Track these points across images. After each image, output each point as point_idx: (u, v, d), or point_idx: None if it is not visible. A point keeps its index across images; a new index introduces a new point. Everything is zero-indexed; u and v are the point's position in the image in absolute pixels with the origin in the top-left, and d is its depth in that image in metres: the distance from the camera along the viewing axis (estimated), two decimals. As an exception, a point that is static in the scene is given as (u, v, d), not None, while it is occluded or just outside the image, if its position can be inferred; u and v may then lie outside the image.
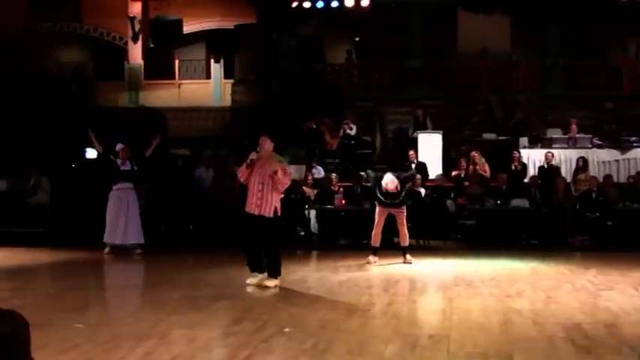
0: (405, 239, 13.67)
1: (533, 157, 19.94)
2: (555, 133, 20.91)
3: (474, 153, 19.12)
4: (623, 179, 19.17)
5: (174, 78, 28.82)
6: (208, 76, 28.80)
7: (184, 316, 8.24)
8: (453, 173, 19.36)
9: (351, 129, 21.97)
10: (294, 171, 17.27)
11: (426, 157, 20.38)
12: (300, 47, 24.52)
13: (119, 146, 15.50)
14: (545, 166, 19.14)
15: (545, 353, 6.54)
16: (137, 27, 27.96)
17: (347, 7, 24.14)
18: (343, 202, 17.60)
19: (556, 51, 25.04)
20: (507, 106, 23.09)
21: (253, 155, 10.53)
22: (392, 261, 13.46)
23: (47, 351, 6.32)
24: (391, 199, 13.26)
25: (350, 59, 26.44)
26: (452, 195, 18.55)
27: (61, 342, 6.80)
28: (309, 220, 17.50)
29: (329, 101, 22.49)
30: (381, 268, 12.84)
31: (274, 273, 10.62)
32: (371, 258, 13.35)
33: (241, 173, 10.67)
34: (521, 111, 22.11)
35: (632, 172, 18.99)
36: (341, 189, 18.03)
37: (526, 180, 18.61)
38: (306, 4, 23.35)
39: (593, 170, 19.19)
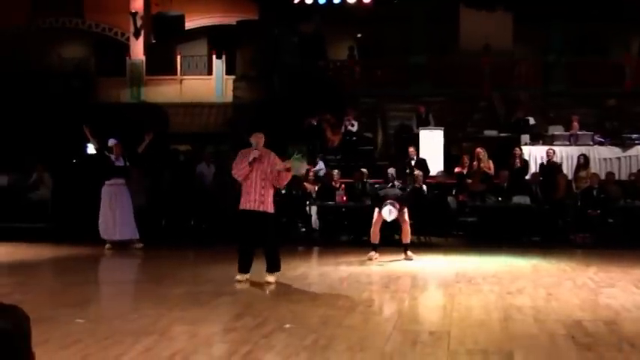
0: (407, 236, 13.71)
1: (534, 154, 19.93)
2: (557, 130, 20.88)
3: (479, 149, 19.11)
4: (624, 177, 19.16)
5: (176, 74, 28.76)
6: (210, 72, 28.76)
7: (185, 312, 8.25)
8: (456, 170, 19.35)
9: (352, 125, 21.95)
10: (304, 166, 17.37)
11: (427, 154, 20.37)
12: (302, 43, 24.52)
13: (112, 142, 15.55)
14: (547, 163, 19.13)
15: (545, 350, 6.55)
16: (139, 23, 27.92)
17: (349, 4, 24.10)
18: (344, 198, 17.61)
19: (558, 48, 24.99)
20: (509, 103, 23.06)
21: (256, 153, 10.48)
22: (393, 257, 13.48)
23: (48, 346, 6.32)
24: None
25: (352, 55, 26.39)
26: (453, 192, 18.55)
27: (63, 337, 6.81)
28: (311, 216, 17.51)
29: (331, 98, 22.51)
30: (382, 265, 12.84)
31: (275, 268, 10.63)
32: (372, 254, 13.37)
33: (243, 171, 10.52)
34: (523, 108, 22.07)
35: (634, 170, 18.99)
36: (342, 185, 18.03)
37: (527, 177, 18.59)
38: (308, 1, 23.31)
39: (594, 167, 19.17)
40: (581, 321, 7.78)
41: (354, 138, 21.86)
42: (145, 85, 28.34)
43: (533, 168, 19.33)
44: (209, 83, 28.36)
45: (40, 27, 28.27)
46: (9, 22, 26.82)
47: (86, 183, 16.65)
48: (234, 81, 24.99)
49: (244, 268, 10.66)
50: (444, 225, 17.38)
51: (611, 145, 20.21)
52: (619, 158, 19.95)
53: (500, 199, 17.41)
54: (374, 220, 13.59)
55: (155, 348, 6.48)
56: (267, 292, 10.09)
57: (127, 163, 15.62)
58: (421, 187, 17.29)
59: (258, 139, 10.65)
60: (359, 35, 28.41)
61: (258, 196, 10.50)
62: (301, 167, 11.94)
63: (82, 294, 9.97)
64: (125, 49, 28.58)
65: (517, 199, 17.19)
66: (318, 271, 12.44)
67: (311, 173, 18.62)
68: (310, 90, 22.32)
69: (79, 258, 14.44)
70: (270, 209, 10.63)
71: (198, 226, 18.02)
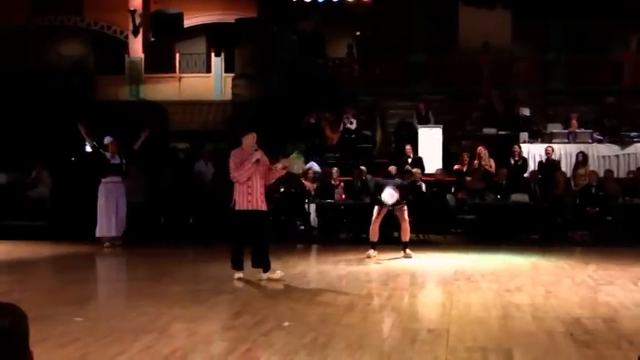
0: (406, 234, 13.72)
1: (533, 152, 19.94)
2: (556, 128, 20.89)
3: (480, 148, 19.15)
4: (623, 174, 19.18)
5: (174, 72, 28.76)
6: (209, 70, 28.76)
7: (185, 310, 8.26)
8: (455, 167, 19.35)
9: (351, 123, 21.96)
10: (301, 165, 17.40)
11: (426, 152, 20.39)
12: (301, 41, 24.51)
13: (108, 139, 15.59)
14: (545, 160, 19.14)
15: (544, 348, 6.55)
16: (138, 20, 27.91)
17: (348, 2, 24.12)
18: (343, 196, 17.61)
19: (557, 46, 24.99)
20: (508, 101, 23.06)
21: (258, 154, 10.54)
22: (392, 255, 13.48)
23: (47, 344, 6.32)
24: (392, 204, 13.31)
25: (351, 53, 26.37)
26: (452, 189, 18.55)
27: (61, 336, 6.81)
28: (309, 214, 17.50)
29: (329, 96, 22.49)
30: (381, 263, 12.85)
31: (269, 265, 10.73)
32: (371, 252, 13.37)
33: (247, 173, 10.51)
34: (523, 107, 22.07)
35: (633, 167, 19.01)
36: (341, 183, 18.04)
37: (526, 175, 18.60)
38: (307, -2, 23.33)
39: (593, 165, 19.20)
40: (580, 318, 7.79)
41: (353, 136, 21.85)
42: (144, 82, 28.34)
43: (532, 166, 19.35)
44: (208, 81, 28.35)
45: (39, 25, 28.27)
46: (8, 20, 26.80)
47: (84, 181, 16.63)
48: (233, 79, 25.00)
49: (241, 266, 10.70)
50: (442, 223, 17.38)
51: (610, 142, 20.23)
52: (618, 156, 19.96)
53: (499, 196, 17.41)
54: (373, 217, 13.60)
55: (154, 346, 6.48)
56: (266, 290, 10.09)
57: (124, 161, 15.66)
58: (420, 184, 17.30)
59: (252, 140, 10.69)
60: (358, 33, 28.40)
61: (259, 196, 10.59)
62: (300, 165, 12.00)
63: (81, 292, 9.97)
64: (124, 46, 28.58)
65: (516, 197, 17.19)
66: (316, 269, 12.45)
67: (310, 172, 18.61)
68: (309, 88, 22.31)
69: (77, 256, 14.45)
70: (266, 207, 10.82)
71: (197, 224, 18.01)
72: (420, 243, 15.72)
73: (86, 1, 28.52)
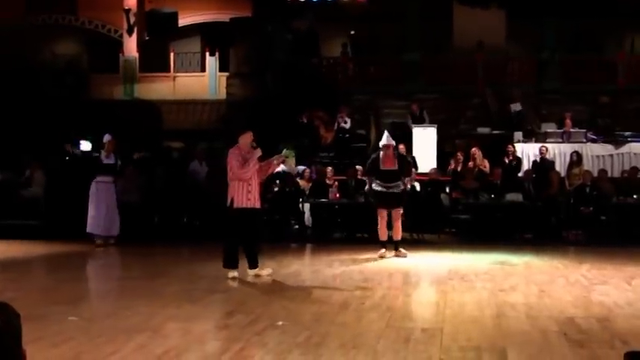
0: (398, 233, 13.75)
1: (527, 152, 19.97)
2: (550, 128, 20.92)
3: (474, 150, 19.16)
4: (617, 174, 19.22)
5: (169, 71, 28.76)
6: (203, 69, 28.76)
7: (179, 309, 8.25)
8: (450, 168, 19.36)
9: (345, 122, 21.98)
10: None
11: (420, 151, 20.40)
12: (296, 40, 24.51)
13: (107, 137, 15.60)
14: (539, 160, 19.16)
15: (538, 347, 6.55)
16: (132, 19, 27.90)
17: (342, 1, 24.15)
18: (337, 195, 17.61)
19: (552, 45, 25.02)
20: (503, 101, 23.08)
21: (259, 152, 10.68)
22: (386, 255, 13.50)
23: (41, 344, 6.31)
24: (389, 179, 13.33)
25: (345, 53, 26.39)
26: (446, 189, 18.56)
27: (55, 335, 6.80)
28: (304, 213, 17.50)
29: (324, 95, 22.49)
30: (375, 262, 12.86)
31: (257, 262, 10.82)
32: (382, 252, 13.45)
33: (250, 172, 10.61)
34: (515, 103, 22.11)
35: (626, 167, 19.05)
36: (335, 182, 18.04)
37: (520, 174, 18.62)
38: (302, -3, 23.35)
39: (587, 165, 19.22)
40: (574, 318, 7.79)
41: (347, 135, 21.87)
42: (139, 82, 28.33)
43: (526, 165, 19.37)
44: (202, 80, 28.36)
45: (33, 24, 28.22)
46: (2, 19, 26.76)
47: (78, 180, 16.62)
48: (228, 78, 25.00)
49: (236, 264, 10.72)
50: (437, 222, 17.40)
51: (604, 142, 20.27)
52: (612, 155, 20.00)
53: (493, 196, 17.42)
54: (379, 219, 13.69)
55: (148, 345, 6.47)
56: (260, 289, 10.08)
57: (119, 161, 15.68)
58: (413, 184, 17.31)
59: (249, 138, 10.72)
60: (352, 32, 28.41)
61: (257, 194, 10.74)
62: (291, 163, 12.08)
63: (75, 291, 9.95)
64: (118, 45, 28.57)
65: (510, 197, 17.21)
66: (311, 269, 12.44)
67: (307, 171, 18.64)
68: (303, 87, 22.31)
69: (71, 255, 14.44)
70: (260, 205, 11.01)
71: (191, 224, 17.99)
72: (414, 242, 15.73)
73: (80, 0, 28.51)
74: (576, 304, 8.71)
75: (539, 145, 19.68)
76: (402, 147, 19.55)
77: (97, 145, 15.85)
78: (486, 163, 19.04)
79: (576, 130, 20.52)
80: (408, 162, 14.70)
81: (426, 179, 18.49)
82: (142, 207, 17.68)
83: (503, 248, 14.70)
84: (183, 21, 27.28)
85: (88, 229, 15.44)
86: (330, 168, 18.47)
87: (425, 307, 9.01)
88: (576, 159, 18.97)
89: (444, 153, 20.72)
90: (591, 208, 16.84)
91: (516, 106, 21.74)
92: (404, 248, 13.69)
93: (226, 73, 25.64)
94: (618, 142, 20.16)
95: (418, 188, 17.54)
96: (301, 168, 18.88)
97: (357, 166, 18.11)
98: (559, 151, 19.86)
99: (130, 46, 28.39)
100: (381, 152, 13.66)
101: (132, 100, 27.32)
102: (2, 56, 25.51)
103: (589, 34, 26.51)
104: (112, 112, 22.54)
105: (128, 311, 8.08)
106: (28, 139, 21.01)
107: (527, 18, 24.80)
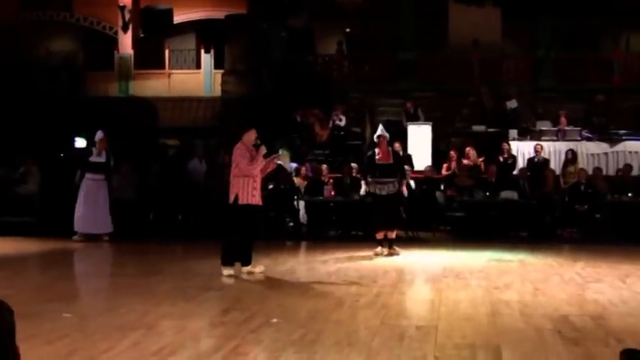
0: (393, 232, 13.75)
1: (522, 150, 19.99)
2: (545, 126, 20.96)
3: (469, 149, 19.17)
4: (611, 172, 19.25)
5: (164, 68, 28.74)
6: (199, 66, 28.75)
7: (173, 307, 8.23)
8: (444, 170, 19.37)
9: (340, 120, 21.99)
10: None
11: (415, 149, 20.41)
12: (291, 38, 24.49)
13: (99, 135, 15.60)
14: (535, 158, 19.17)
15: (532, 345, 6.55)
16: (127, 16, 27.87)
17: (338, -2, 24.16)
18: (333, 193, 17.62)
19: (547, 43, 25.05)
20: (498, 98, 23.10)
21: (264, 150, 10.76)
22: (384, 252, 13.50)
23: (35, 341, 6.30)
24: (384, 174, 13.33)
25: (340, 50, 26.40)
26: (441, 187, 18.58)
27: (49, 332, 6.78)
28: (299, 210, 17.50)
29: (319, 92, 22.48)
30: (370, 260, 12.86)
31: (251, 259, 10.86)
32: (378, 250, 13.42)
33: (258, 168, 10.74)
34: (510, 100, 22.13)
35: (621, 165, 19.09)
36: (330, 180, 18.05)
37: (515, 172, 18.63)
38: (297, -5, 23.33)
39: (582, 163, 19.25)
40: (568, 316, 7.80)
41: (342, 133, 21.87)
42: (134, 79, 28.32)
43: (521, 163, 19.38)
44: (198, 77, 28.35)
45: (27, 20, 28.18)
46: (-2, 15, 26.75)
47: (73, 177, 16.60)
48: (223, 75, 24.98)
49: (233, 262, 10.72)
50: (431, 220, 17.43)
51: (599, 140, 20.32)
52: (606, 154, 20.04)
53: (488, 194, 17.43)
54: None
55: (143, 343, 6.46)
56: (255, 286, 10.07)
57: (111, 160, 15.68)
58: (408, 182, 17.31)
59: (253, 135, 10.80)
60: (348, 30, 28.42)
61: (260, 191, 10.81)
62: (286, 161, 12.15)
63: (69, 288, 9.94)
64: (113, 42, 28.54)
65: (505, 194, 17.22)
66: (306, 266, 12.44)
67: (303, 169, 18.64)
68: (299, 85, 22.30)
69: (66, 252, 14.43)
70: None
71: (186, 221, 17.98)
72: (409, 240, 15.73)
73: (76, -4, 28.50)
74: (571, 302, 8.71)
75: (534, 143, 19.70)
76: (397, 145, 19.61)
77: (92, 143, 15.82)
78: (481, 161, 19.06)
79: (571, 128, 20.57)
80: (402, 159, 14.68)
81: (421, 177, 18.51)
82: (137, 204, 17.67)
83: (498, 246, 14.71)
84: (179, 18, 27.27)
85: (75, 227, 15.47)
86: (325, 165, 18.47)
87: (420, 304, 9.01)
88: (571, 157, 18.99)
89: (439, 151, 20.74)
90: (586, 207, 16.88)
91: (512, 104, 21.76)
92: (398, 246, 13.69)
93: (221, 71, 25.62)
94: (613, 141, 20.21)
95: (413, 186, 17.54)
96: (293, 165, 18.88)
97: (353, 164, 18.12)
98: (554, 149, 19.89)
99: (125, 43, 28.37)
100: (376, 148, 13.66)
101: (127, 97, 27.29)
102: (-2, 52, 25.49)
103: (584, 32, 26.55)
104: (107, 109, 22.48)
105: (122, 308, 8.07)
106: (23, 135, 20.96)
107: (523, 16, 24.82)
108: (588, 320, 7.59)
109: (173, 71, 28.64)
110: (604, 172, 18.76)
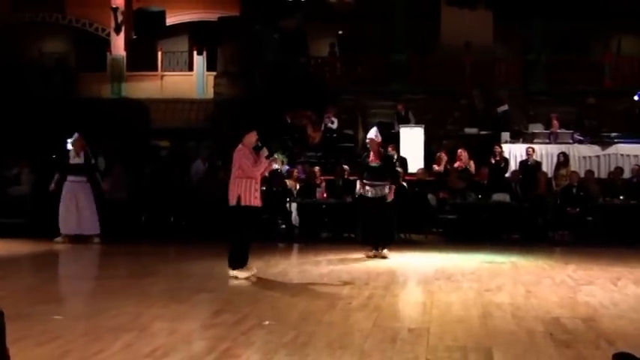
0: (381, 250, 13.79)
1: (514, 152, 20.03)
2: (537, 128, 21.00)
3: (460, 150, 19.18)
4: (603, 175, 19.30)
5: (157, 69, 28.74)
6: (191, 68, 28.75)
7: (165, 309, 8.23)
8: (436, 169, 19.40)
9: (332, 122, 22.01)
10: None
11: (407, 151, 20.42)
12: (283, 40, 24.49)
13: (74, 137, 15.59)
14: (527, 161, 19.21)
15: (524, 347, 6.57)
16: (120, 18, 27.86)
17: (330, 0, 24.13)
18: (325, 195, 17.63)
19: (539, 46, 25.12)
20: (490, 101, 23.13)
21: (266, 152, 10.88)
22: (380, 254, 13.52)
23: (26, 343, 6.29)
24: (374, 176, 13.33)
25: (333, 52, 26.41)
26: (433, 189, 18.58)
27: (40, 334, 6.77)
28: (291, 213, 17.50)
29: (312, 94, 22.48)
30: (362, 262, 12.85)
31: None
32: (371, 253, 13.42)
33: (262, 169, 10.89)
34: (502, 104, 22.17)
35: (613, 168, 19.11)
36: (323, 182, 18.05)
37: (507, 175, 18.65)
38: (290, -3, 23.35)
39: (574, 165, 19.31)
40: (560, 318, 7.82)
41: (335, 135, 21.88)
42: (126, 80, 28.31)
43: (513, 166, 19.42)
44: (190, 79, 28.36)
45: (20, 22, 28.13)
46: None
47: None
48: (216, 77, 24.99)
49: (245, 263, 10.77)
50: (424, 222, 17.43)
51: (591, 143, 20.37)
52: (598, 156, 20.09)
53: (480, 196, 17.45)
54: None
55: (135, 344, 6.46)
56: (247, 288, 10.07)
57: (91, 159, 15.67)
58: (401, 184, 17.32)
59: (254, 137, 10.92)
60: (340, 32, 28.42)
61: (260, 192, 10.87)
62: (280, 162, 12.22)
63: (61, 290, 9.94)
64: (106, 44, 28.53)
65: (497, 197, 17.24)
66: (298, 268, 12.44)
67: (295, 171, 18.65)
68: (291, 87, 22.30)
69: (57, 254, 14.41)
70: None
71: (178, 223, 17.97)
72: (402, 242, 15.74)
73: (68, -3, 28.47)
74: (562, 304, 8.74)
75: (526, 145, 19.75)
76: (390, 148, 19.61)
77: (75, 144, 15.83)
78: (472, 164, 19.07)
79: (563, 131, 20.62)
80: (393, 162, 14.60)
81: (414, 179, 18.52)
82: (130, 205, 17.65)
83: (490, 248, 14.73)
84: (171, 20, 27.26)
85: (62, 230, 15.47)
86: (317, 168, 18.47)
87: (412, 306, 9.01)
88: (563, 160, 19.05)
89: (431, 153, 20.76)
90: (578, 209, 16.91)
91: (502, 108, 21.80)
92: (389, 249, 13.68)
93: (214, 73, 25.64)
94: (605, 143, 20.26)
95: (405, 188, 17.55)
96: (285, 168, 18.89)
97: (345, 166, 18.13)
98: (546, 152, 19.94)
99: (118, 44, 28.36)
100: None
101: (119, 99, 27.27)
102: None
103: (576, 35, 26.62)
104: (100, 111, 22.47)
105: (114, 310, 8.06)
106: (15, 137, 20.91)
107: (515, 19, 24.88)
108: (580, 323, 7.61)
109: (166, 73, 28.63)
110: (596, 175, 18.81)
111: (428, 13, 25.18)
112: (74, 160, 15.55)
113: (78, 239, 15.45)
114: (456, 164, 18.95)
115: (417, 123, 21.94)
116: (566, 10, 23.91)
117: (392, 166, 14.24)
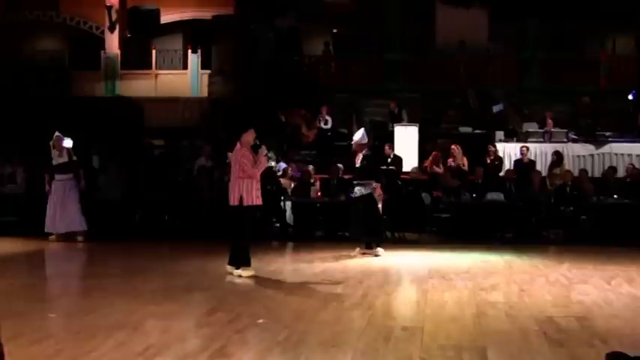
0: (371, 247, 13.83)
1: (508, 151, 20.04)
2: (531, 127, 21.00)
3: (453, 146, 19.17)
4: (597, 174, 19.29)
5: (151, 68, 28.70)
6: (185, 67, 28.72)
7: (159, 307, 8.23)
8: (426, 164, 19.40)
9: (326, 122, 22.00)
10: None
11: (402, 150, 20.41)
12: (278, 39, 24.47)
13: (54, 136, 15.65)
14: (521, 160, 19.22)
15: (518, 346, 6.58)
16: (114, 16, 27.80)
17: (325, -1, 24.16)
18: (319, 194, 17.62)
19: (533, 45, 25.14)
20: (484, 100, 23.15)
21: (265, 150, 11.04)
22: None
23: (20, 341, 6.29)
24: (358, 175, 13.46)
25: (327, 51, 26.41)
26: (427, 188, 18.58)
27: (34, 332, 6.77)
28: (285, 211, 17.48)
29: (306, 93, 22.48)
30: (356, 261, 12.86)
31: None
32: (368, 251, 13.48)
33: (262, 168, 11.02)
34: (495, 103, 22.19)
35: (607, 167, 19.12)
36: (317, 181, 18.03)
37: (502, 174, 18.66)
38: (284, -4, 23.35)
39: (568, 164, 19.30)
40: (554, 317, 7.83)
41: (329, 134, 21.88)
42: (120, 79, 28.26)
43: (508, 165, 19.43)
44: (184, 78, 28.33)
45: (14, 20, 28.07)
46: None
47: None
48: (210, 76, 24.96)
49: (249, 261, 10.85)
50: (418, 221, 17.41)
51: (585, 142, 20.38)
52: (592, 155, 20.11)
53: (474, 195, 17.45)
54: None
55: (128, 342, 6.46)
56: (241, 287, 10.08)
57: (75, 157, 15.71)
58: (396, 183, 17.34)
59: (252, 136, 10.97)
60: (335, 31, 28.41)
61: (260, 192, 10.91)
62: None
63: (54, 288, 9.93)
64: (100, 42, 28.45)
65: (491, 196, 17.24)
66: (292, 267, 12.45)
67: (289, 170, 18.62)
68: (286, 85, 22.29)
69: (51, 252, 14.40)
70: None
71: (172, 221, 17.94)
72: (395, 241, 15.74)
73: (62, -5, 28.41)
74: (556, 303, 8.75)
75: (520, 144, 19.75)
76: (387, 147, 19.59)
77: (76, 143, 15.82)
78: (465, 161, 19.04)
79: (557, 129, 20.63)
80: (368, 165, 14.37)
81: (408, 178, 18.52)
82: (123, 204, 17.63)
83: (484, 247, 14.73)
84: (166, 18, 27.18)
85: (45, 229, 15.51)
86: (311, 166, 18.46)
87: (405, 305, 9.03)
88: (557, 159, 19.06)
89: (425, 152, 20.75)
90: (572, 208, 16.91)
91: (497, 108, 21.81)
92: (383, 248, 13.70)
93: (208, 71, 25.61)
94: (599, 143, 20.27)
95: (400, 187, 17.56)
96: (282, 166, 18.87)
97: (339, 165, 18.11)
98: (540, 151, 19.95)
99: (112, 43, 28.30)
100: None
101: (113, 98, 27.20)
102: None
103: (570, 34, 26.61)
104: (94, 109, 22.41)
105: (108, 308, 8.06)
106: (9, 135, 20.86)
107: (510, 18, 24.88)
108: (573, 321, 7.62)
109: (160, 71, 28.60)
110: (590, 174, 18.79)
111: (422, 12, 25.18)
112: (57, 160, 15.63)
113: (66, 237, 15.48)
114: (449, 160, 18.92)
115: (412, 122, 21.92)
116: (561, 10, 23.92)
117: (374, 165, 14.24)
